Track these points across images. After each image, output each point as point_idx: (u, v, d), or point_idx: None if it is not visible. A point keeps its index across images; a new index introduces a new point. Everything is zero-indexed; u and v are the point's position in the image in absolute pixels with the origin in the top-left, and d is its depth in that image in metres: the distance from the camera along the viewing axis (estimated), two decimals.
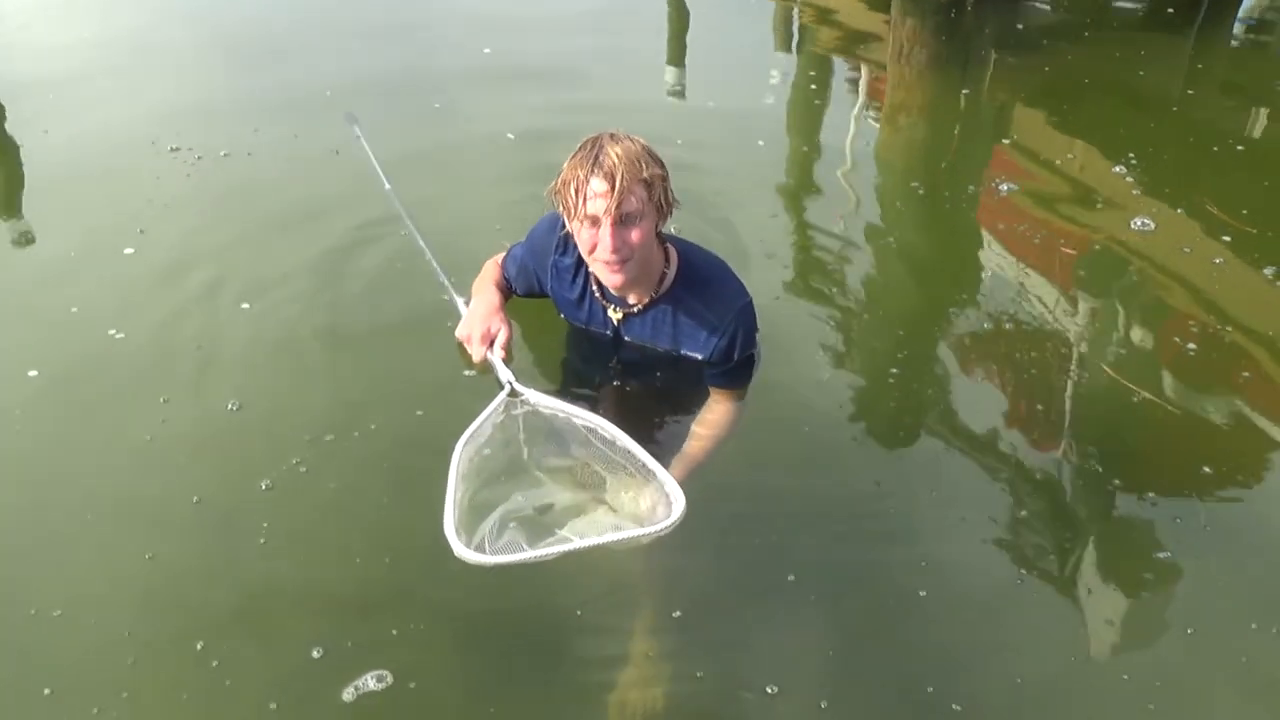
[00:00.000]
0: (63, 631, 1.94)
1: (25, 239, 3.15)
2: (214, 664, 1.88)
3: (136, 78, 4.32)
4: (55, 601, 1.98)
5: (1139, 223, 3.36)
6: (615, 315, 2.24)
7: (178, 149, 3.63)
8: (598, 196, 1.92)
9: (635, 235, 1.97)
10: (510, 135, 3.86)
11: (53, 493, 2.24)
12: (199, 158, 3.59)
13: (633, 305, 2.21)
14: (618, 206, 1.91)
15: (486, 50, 4.73)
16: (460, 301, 2.44)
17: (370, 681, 1.86)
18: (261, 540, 2.11)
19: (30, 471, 2.31)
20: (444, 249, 2.69)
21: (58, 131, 3.80)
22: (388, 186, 2.92)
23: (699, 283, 2.18)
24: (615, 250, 1.97)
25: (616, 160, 1.91)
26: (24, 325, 2.76)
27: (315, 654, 1.89)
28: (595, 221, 1.95)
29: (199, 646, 1.90)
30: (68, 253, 3.01)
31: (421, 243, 2.68)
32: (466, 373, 2.39)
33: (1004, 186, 3.67)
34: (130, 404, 2.44)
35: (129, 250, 3.02)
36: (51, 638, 1.93)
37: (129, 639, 1.92)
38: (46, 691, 1.83)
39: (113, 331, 2.66)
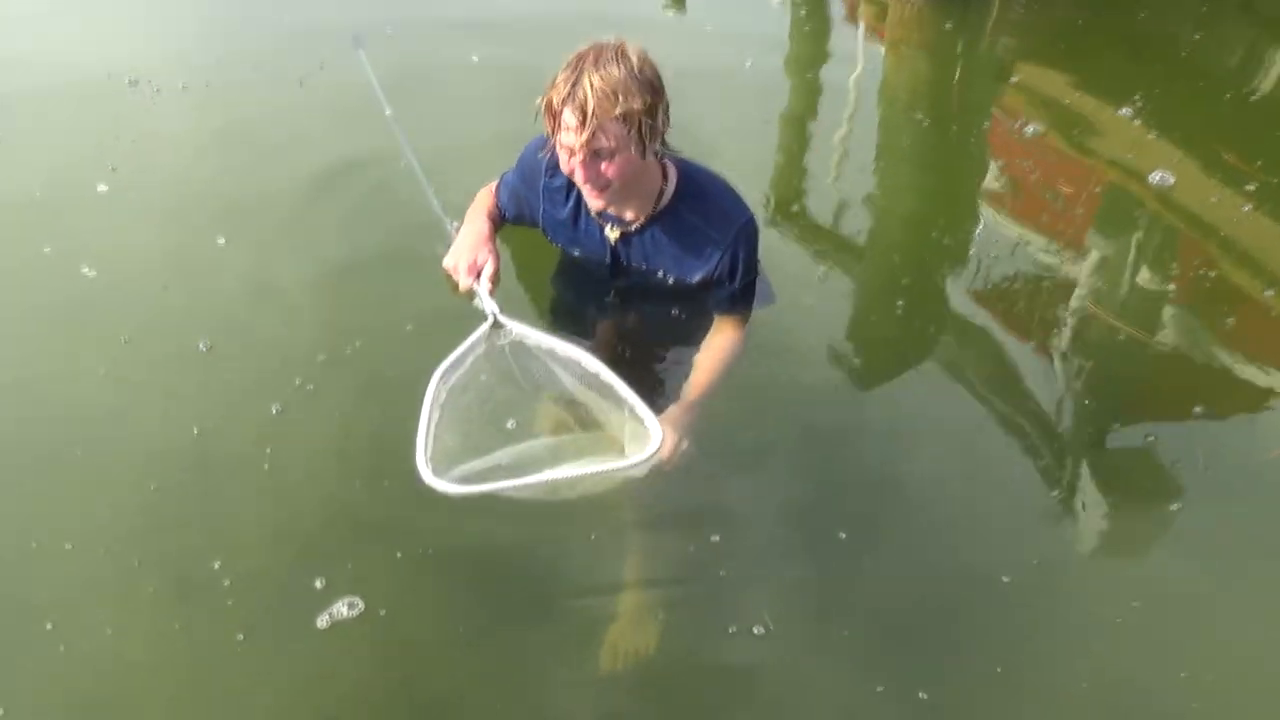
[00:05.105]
0: (66, 563, 2.12)
1: None
2: (226, 582, 2.08)
3: (82, 9, 4.42)
4: (65, 535, 2.16)
5: (1152, 173, 3.53)
6: (613, 235, 2.30)
7: (135, 82, 3.75)
8: (569, 130, 1.99)
9: (609, 169, 2.04)
10: (474, 59, 4.02)
11: (45, 430, 2.43)
12: (158, 90, 3.72)
13: (630, 223, 2.27)
14: (587, 143, 1.98)
15: None
16: (453, 227, 2.53)
17: (343, 608, 2.02)
18: (265, 466, 2.30)
19: (23, 408, 2.49)
20: (433, 176, 2.81)
21: (7, 72, 3.88)
22: (388, 111, 2.99)
23: (699, 197, 2.24)
24: (587, 181, 2.07)
25: (590, 93, 1.93)
26: None
27: (319, 584, 2.07)
28: (571, 151, 2.04)
29: (215, 565, 2.10)
30: (33, 193, 3.14)
31: (418, 169, 2.77)
32: (476, 305, 2.49)
33: (1006, 124, 3.89)
34: (107, 343, 2.61)
35: (103, 188, 3.17)
36: (51, 570, 2.12)
37: (139, 568, 2.11)
38: (48, 626, 2.01)
39: (86, 269, 2.82)
